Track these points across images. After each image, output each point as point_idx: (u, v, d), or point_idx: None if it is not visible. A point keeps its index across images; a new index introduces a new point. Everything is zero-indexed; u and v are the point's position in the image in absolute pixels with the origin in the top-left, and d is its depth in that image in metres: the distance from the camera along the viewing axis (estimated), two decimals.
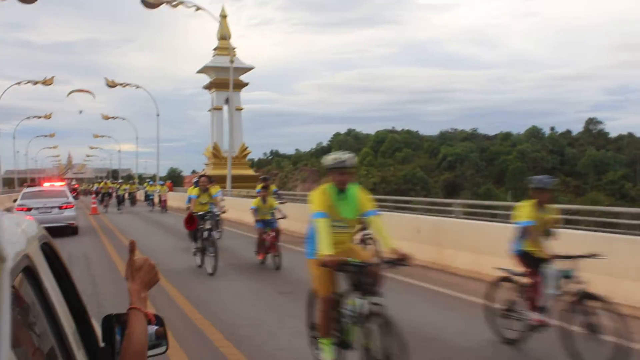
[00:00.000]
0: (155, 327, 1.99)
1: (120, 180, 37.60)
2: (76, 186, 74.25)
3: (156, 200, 39.39)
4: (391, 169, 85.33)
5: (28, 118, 72.23)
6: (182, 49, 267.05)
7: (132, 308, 1.78)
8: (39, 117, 71.48)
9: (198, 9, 38.21)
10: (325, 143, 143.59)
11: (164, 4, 36.11)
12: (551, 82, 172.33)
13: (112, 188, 46.60)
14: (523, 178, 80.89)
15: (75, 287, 2.09)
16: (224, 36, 57.98)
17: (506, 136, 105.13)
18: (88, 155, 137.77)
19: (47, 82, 50.67)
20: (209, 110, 59.33)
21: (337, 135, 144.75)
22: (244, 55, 56.30)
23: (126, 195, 48.56)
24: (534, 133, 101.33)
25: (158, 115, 59.91)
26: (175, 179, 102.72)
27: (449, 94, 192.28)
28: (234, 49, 58.40)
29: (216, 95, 57.25)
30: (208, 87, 58.86)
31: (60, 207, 21.50)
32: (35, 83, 49.95)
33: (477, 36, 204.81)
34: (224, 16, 58.29)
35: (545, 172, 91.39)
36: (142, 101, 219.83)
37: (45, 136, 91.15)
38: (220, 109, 57.71)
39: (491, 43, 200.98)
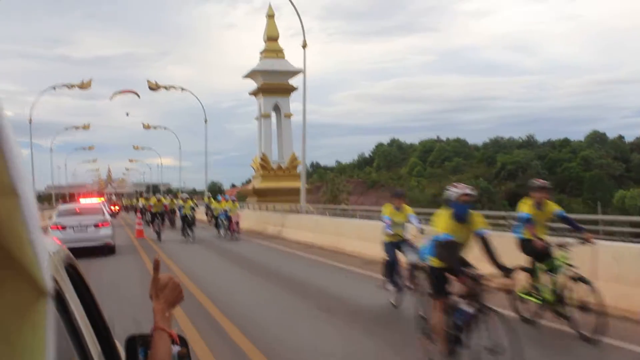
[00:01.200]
0: (179, 348, 1.90)
1: (184, 195, 30.72)
2: (116, 205, 70.68)
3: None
4: (451, 178, 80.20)
5: (66, 129, 71.58)
6: (219, 62, 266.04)
7: (156, 328, 1.75)
8: (77, 128, 70.50)
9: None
10: (367, 154, 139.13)
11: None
12: (593, 88, 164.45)
13: (167, 206, 36.04)
14: (601, 187, 75.49)
15: (98, 307, 2.11)
16: (271, 37, 53.88)
17: (564, 142, 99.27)
18: (127, 169, 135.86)
19: (84, 86, 48.10)
20: (256, 119, 55.13)
21: (380, 146, 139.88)
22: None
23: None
24: (596, 139, 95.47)
25: (206, 121, 56.58)
26: (215, 193, 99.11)
27: (488, 102, 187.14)
28: (282, 50, 54.54)
29: (264, 101, 53.01)
30: (255, 93, 54.69)
31: (96, 226, 20.68)
32: (72, 86, 47.70)
33: (516, 42, 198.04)
34: (270, 16, 54.26)
35: (614, 180, 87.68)
36: (180, 115, 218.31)
37: (84, 149, 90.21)
38: (268, 116, 53.45)
39: (531, 49, 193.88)
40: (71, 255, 2.00)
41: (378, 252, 12.24)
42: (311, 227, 23.95)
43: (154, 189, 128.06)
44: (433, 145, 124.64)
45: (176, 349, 1.87)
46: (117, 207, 69.90)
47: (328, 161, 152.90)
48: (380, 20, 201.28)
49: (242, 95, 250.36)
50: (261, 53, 54.44)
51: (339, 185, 77.49)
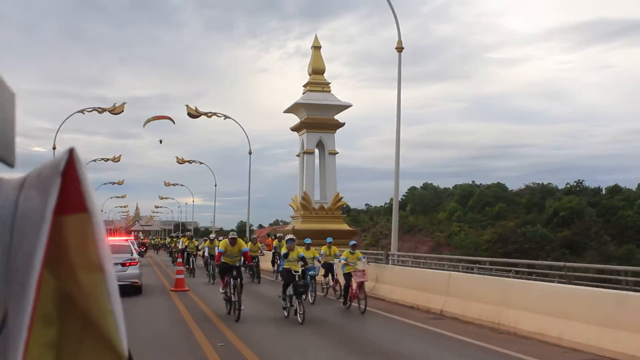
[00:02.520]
0: None
1: (253, 236, 26.57)
2: (145, 241, 68.04)
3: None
4: (510, 225, 75.80)
5: (95, 160, 69.28)
6: (248, 105, 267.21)
7: None
8: (107, 160, 68.08)
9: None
10: (400, 197, 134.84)
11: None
12: (625, 137, 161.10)
13: (201, 248, 35.21)
14: None
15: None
16: (317, 70, 50.42)
17: (614, 189, 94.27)
18: (157, 207, 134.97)
19: (116, 110, 46.46)
20: (298, 155, 51.40)
21: (412, 189, 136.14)
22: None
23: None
24: None
25: (250, 153, 56.52)
26: (244, 233, 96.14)
27: (518, 149, 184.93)
28: (328, 84, 51.03)
29: (307, 137, 49.28)
30: (297, 128, 51.03)
31: (123, 265, 19.96)
32: (102, 111, 46.11)
33: (547, 89, 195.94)
34: (317, 47, 50.90)
35: None
36: (211, 154, 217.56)
37: (113, 183, 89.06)
38: (312, 152, 49.63)
39: (563, 97, 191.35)
40: None
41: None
42: (434, 286, 17.71)
43: (183, 227, 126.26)
44: (472, 190, 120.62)
45: None
46: (146, 248, 66.84)
47: (357, 204, 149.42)
48: (411, 67, 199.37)
49: (270, 138, 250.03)
50: (305, 86, 51.00)
51: (382, 229, 73.26)
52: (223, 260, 16.56)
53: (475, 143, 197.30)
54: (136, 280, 20.28)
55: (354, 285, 17.38)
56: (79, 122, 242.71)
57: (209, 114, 38.52)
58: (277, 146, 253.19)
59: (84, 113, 43.64)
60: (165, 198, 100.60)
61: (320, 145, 50.04)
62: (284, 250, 16.83)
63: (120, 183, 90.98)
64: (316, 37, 51.15)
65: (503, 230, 73.04)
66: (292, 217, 52.21)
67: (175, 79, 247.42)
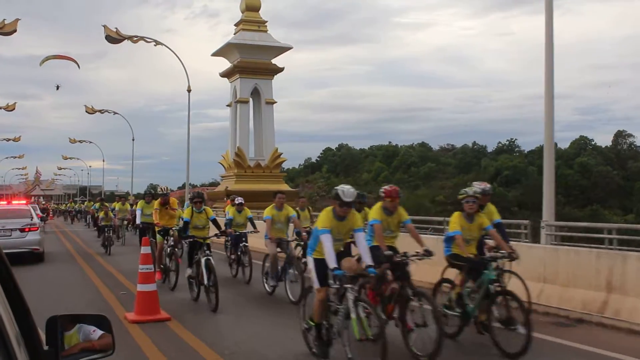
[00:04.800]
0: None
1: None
2: (46, 208, 60.18)
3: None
4: (449, 184, 71.54)
5: None
6: (153, 66, 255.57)
7: None
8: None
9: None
10: (314, 159, 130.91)
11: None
12: (522, 102, 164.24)
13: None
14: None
15: (18, 287, 1.97)
16: (251, 6, 43.45)
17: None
18: (60, 168, 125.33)
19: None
20: (229, 105, 44.62)
21: (327, 150, 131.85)
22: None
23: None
24: (584, 146, 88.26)
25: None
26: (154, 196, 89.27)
27: (423, 113, 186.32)
28: (264, 22, 44.15)
29: (240, 83, 42.49)
30: (228, 73, 44.10)
31: (22, 230, 18.54)
32: None
33: (451, 55, 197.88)
34: None
35: (618, 187, 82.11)
36: (113, 118, 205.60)
37: (15, 157, 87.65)
38: (246, 101, 42.92)
39: (465, 62, 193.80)
40: None
41: None
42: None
43: (82, 191, 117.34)
44: (395, 151, 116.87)
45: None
46: (49, 213, 58.60)
47: None
48: (319, 31, 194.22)
49: (175, 100, 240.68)
50: (237, 25, 44.03)
51: (317, 191, 67.58)
52: (191, 233, 11.67)
53: (382, 106, 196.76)
54: (37, 247, 18.69)
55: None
56: None
57: (135, 38, 31.31)
58: (182, 108, 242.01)
59: None
60: (70, 158, 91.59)
61: (255, 93, 43.40)
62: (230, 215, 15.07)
63: (20, 157, 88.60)
64: None
65: (448, 190, 68.96)
66: (222, 177, 45.58)
67: (76, 38, 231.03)
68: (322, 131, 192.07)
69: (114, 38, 31.94)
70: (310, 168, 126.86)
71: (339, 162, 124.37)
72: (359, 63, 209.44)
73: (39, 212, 29.73)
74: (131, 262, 15.20)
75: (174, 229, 14.03)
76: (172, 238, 13.73)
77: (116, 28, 31.68)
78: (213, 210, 13.67)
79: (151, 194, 16.75)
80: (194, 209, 11.94)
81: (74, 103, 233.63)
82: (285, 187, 42.39)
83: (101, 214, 24.21)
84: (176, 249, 13.48)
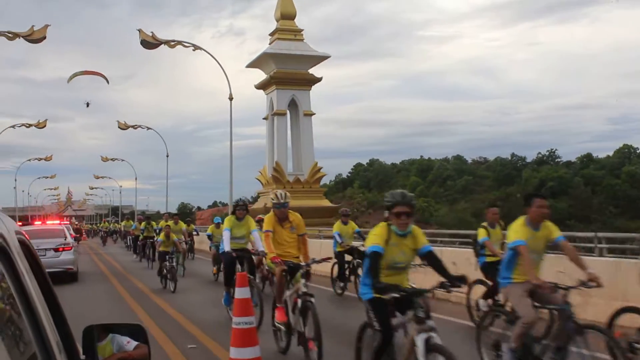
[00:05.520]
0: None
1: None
2: (78, 229, 57.91)
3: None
4: (490, 197, 69.31)
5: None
6: (181, 85, 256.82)
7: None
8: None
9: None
10: (345, 175, 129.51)
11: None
12: (550, 113, 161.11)
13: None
14: None
15: (55, 296, 2.04)
16: (286, 14, 41.75)
17: (586, 158, 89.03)
18: (87, 194, 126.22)
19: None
20: (265, 118, 42.82)
21: (358, 165, 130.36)
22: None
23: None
24: (628, 154, 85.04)
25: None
26: (186, 215, 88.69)
27: (451, 126, 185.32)
28: (300, 31, 42.42)
29: (277, 95, 40.69)
30: (264, 85, 42.30)
31: (56, 249, 18.65)
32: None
33: (478, 66, 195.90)
34: None
35: None
36: (143, 137, 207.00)
37: (46, 177, 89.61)
38: (283, 113, 41.06)
39: (492, 74, 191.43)
40: (29, 242, 1.94)
41: None
42: None
43: (115, 211, 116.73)
44: (429, 164, 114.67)
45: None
46: (81, 233, 56.89)
47: None
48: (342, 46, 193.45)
49: (203, 119, 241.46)
50: (272, 34, 42.32)
51: (358, 205, 65.49)
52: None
53: (409, 120, 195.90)
54: (71, 267, 18.93)
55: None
56: (5, 104, 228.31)
57: (172, 42, 29.67)
58: (210, 127, 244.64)
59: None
60: (102, 177, 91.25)
61: (292, 105, 41.56)
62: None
63: (52, 177, 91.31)
64: None
65: (489, 202, 66.63)
66: (260, 194, 43.66)
67: (105, 59, 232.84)
68: (350, 147, 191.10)
69: (149, 43, 30.15)
70: (341, 184, 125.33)
71: (372, 177, 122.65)
72: (385, 78, 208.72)
73: (72, 232, 28.45)
74: (202, 304, 13.11)
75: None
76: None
77: (152, 32, 30.08)
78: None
79: (244, 205, 11.67)
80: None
81: (104, 124, 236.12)
82: (326, 202, 40.49)
83: (161, 237, 17.82)
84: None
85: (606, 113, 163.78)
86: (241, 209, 11.05)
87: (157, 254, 18.70)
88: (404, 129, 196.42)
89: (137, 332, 2.14)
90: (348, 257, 14.58)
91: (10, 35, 28.46)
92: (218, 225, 18.14)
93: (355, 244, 14.67)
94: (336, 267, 14.59)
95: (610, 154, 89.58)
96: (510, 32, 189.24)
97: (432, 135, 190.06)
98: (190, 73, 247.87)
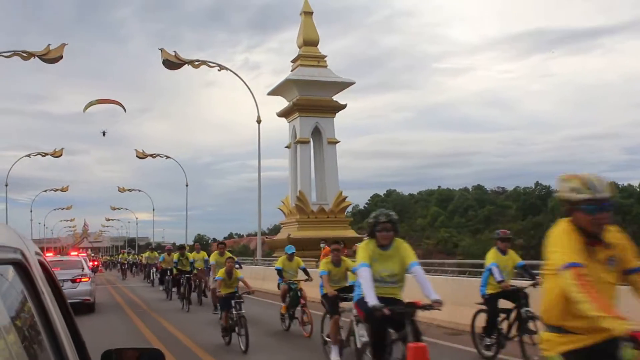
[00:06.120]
0: None
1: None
2: (95, 261, 56.12)
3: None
4: (516, 227, 67.60)
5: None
6: (196, 118, 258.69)
7: None
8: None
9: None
10: (362, 206, 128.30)
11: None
12: (566, 143, 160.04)
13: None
14: None
15: (74, 320, 2.04)
16: (309, 41, 40.78)
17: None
18: (104, 225, 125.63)
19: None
20: (287, 147, 41.60)
21: (375, 196, 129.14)
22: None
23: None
24: None
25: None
26: (203, 247, 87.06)
27: (466, 157, 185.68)
28: (324, 57, 41.38)
29: (300, 122, 39.52)
30: (286, 112, 41.19)
31: (73, 280, 18.49)
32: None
33: (492, 98, 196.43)
34: (307, 12, 41.25)
35: None
36: (158, 170, 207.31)
37: (62, 209, 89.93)
38: (307, 141, 39.82)
39: (507, 105, 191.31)
40: (48, 264, 1.93)
41: None
42: None
43: (131, 242, 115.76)
44: (450, 194, 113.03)
45: None
46: (97, 263, 55.26)
47: None
48: (357, 78, 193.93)
49: (219, 151, 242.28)
50: (294, 61, 41.33)
51: None
52: None
53: (424, 152, 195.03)
54: (88, 298, 18.81)
55: None
56: (23, 138, 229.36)
57: (196, 62, 28.42)
58: (226, 159, 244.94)
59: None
60: (118, 208, 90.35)
61: (316, 133, 40.35)
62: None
63: (68, 208, 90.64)
64: (306, 2, 41.50)
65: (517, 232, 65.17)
66: (282, 224, 42.27)
67: (121, 92, 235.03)
68: (366, 178, 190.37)
69: (172, 63, 28.86)
70: (359, 215, 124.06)
71: (391, 208, 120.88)
72: (400, 110, 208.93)
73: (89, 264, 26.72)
74: None
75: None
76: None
77: (175, 52, 28.93)
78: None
79: (339, 242, 10.82)
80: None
81: (120, 157, 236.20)
82: (351, 233, 38.92)
83: (220, 274, 12.16)
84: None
85: (622, 142, 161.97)
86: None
87: (212, 298, 16.33)
88: (419, 160, 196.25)
89: (156, 357, 2.07)
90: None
91: (25, 55, 27.28)
92: (292, 257, 13.73)
93: (518, 282, 10.04)
94: (482, 317, 9.84)
95: (633, 182, 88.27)
96: (524, 64, 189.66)
97: (447, 167, 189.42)
98: (206, 106, 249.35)
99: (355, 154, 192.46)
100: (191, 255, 20.91)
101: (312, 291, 13.89)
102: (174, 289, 21.57)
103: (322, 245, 23.93)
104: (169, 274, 22.65)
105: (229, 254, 15.24)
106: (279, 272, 13.60)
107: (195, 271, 20.26)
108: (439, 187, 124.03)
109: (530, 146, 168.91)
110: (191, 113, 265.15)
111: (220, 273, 12.08)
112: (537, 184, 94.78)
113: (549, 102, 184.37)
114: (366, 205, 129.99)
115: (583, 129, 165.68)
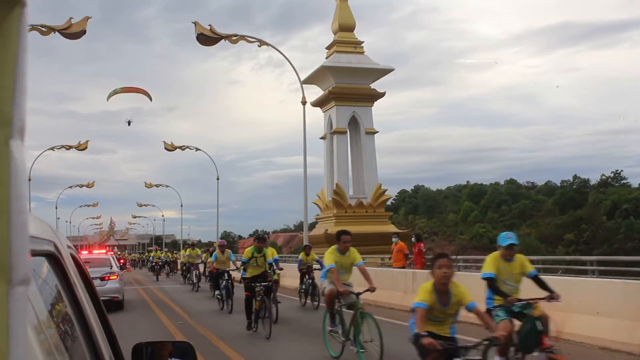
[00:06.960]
0: None
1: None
2: (122, 261, 52.89)
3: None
4: (557, 222, 65.34)
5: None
6: (220, 117, 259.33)
7: None
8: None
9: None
10: (389, 202, 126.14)
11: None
12: (596, 137, 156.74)
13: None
14: None
15: (105, 313, 2.06)
16: (345, 26, 38.73)
17: None
18: (130, 223, 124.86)
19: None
20: (322, 138, 39.62)
21: (402, 192, 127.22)
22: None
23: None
24: None
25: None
26: (230, 243, 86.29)
27: (492, 153, 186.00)
28: (361, 43, 39.32)
29: (336, 112, 37.52)
30: (321, 101, 39.19)
31: (102, 278, 18.49)
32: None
33: (517, 93, 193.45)
34: None
35: None
36: (183, 167, 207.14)
37: (89, 205, 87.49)
38: (343, 132, 37.84)
39: (532, 100, 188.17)
40: (79, 257, 1.96)
41: None
42: None
43: (157, 240, 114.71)
44: (481, 189, 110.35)
45: None
46: (122, 261, 52.65)
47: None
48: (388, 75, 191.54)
49: (244, 149, 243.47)
50: (329, 47, 39.33)
51: (419, 230, 61.83)
52: None
53: (450, 148, 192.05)
54: (116, 295, 18.95)
55: None
56: (49, 137, 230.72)
57: (234, 38, 26.33)
58: (250, 157, 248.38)
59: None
60: (145, 205, 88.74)
61: (353, 122, 38.34)
62: None
63: (94, 205, 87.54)
64: None
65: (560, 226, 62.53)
66: (318, 218, 40.31)
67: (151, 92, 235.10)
68: (392, 174, 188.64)
69: (207, 37, 26.54)
70: (387, 210, 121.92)
71: (420, 204, 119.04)
72: (425, 106, 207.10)
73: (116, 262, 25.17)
74: None
75: None
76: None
77: (210, 25, 26.93)
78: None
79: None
80: None
81: (145, 155, 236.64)
82: (392, 228, 36.88)
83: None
84: None
85: None
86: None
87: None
88: (445, 156, 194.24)
89: (186, 350, 2.10)
90: None
91: (44, 29, 25.12)
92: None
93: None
94: None
95: None
96: (549, 59, 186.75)
97: (473, 162, 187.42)
98: (230, 105, 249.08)
99: (380, 150, 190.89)
100: (269, 253, 14.12)
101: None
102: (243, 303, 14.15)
103: (394, 240, 22.36)
104: (226, 277, 18.23)
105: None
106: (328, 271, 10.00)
107: (275, 276, 15.55)
108: (468, 182, 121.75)
109: (557, 141, 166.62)
110: (216, 111, 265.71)
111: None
112: (575, 177, 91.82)
113: (575, 96, 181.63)
114: (393, 201, 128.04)
115: (610, 124, 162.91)
